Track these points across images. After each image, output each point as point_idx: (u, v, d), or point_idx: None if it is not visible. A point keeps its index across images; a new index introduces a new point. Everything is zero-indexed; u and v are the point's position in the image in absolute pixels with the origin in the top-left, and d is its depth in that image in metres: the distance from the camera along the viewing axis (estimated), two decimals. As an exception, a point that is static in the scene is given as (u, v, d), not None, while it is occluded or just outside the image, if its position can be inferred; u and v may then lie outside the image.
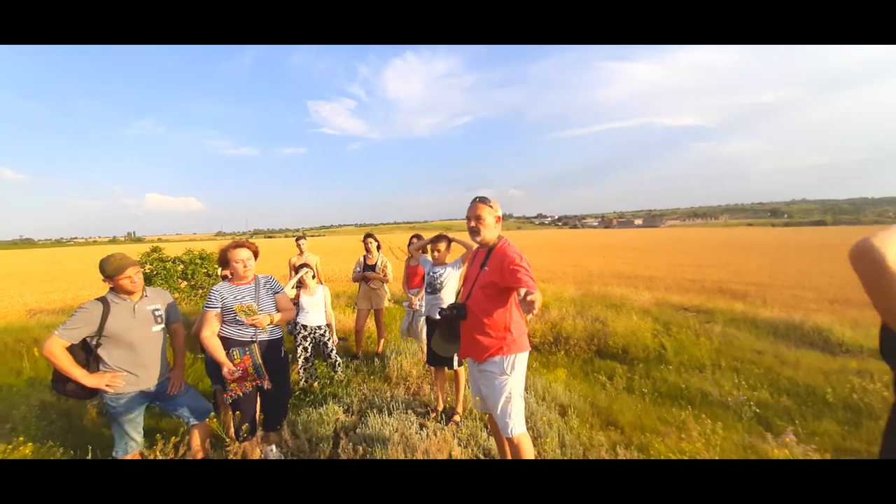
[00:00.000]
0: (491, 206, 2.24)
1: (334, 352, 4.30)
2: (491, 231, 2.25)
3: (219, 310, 2.61)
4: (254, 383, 2.57)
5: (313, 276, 4.18)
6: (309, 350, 4.17)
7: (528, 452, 2.15)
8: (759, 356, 5.03)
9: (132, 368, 2.37)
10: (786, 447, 2.68)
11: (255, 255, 2.78)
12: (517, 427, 2.14)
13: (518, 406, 2.18)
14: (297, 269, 4.21)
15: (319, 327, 4.16)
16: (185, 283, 8.16)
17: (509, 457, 2.32)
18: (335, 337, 4.17)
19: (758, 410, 3.55)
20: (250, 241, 2.82)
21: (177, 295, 7.52)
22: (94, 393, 2.35)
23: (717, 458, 2.68)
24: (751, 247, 33.53)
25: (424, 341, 4.26)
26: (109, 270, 2.34)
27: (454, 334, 2.32)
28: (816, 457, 2.62)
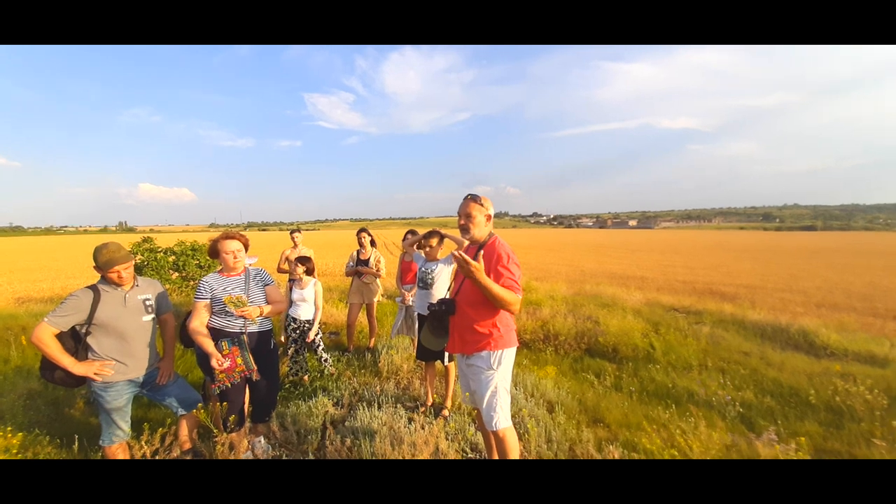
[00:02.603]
0: (482, 205, 2.27)
1: (321, 347, 4.31)
2: (481, 229, 2.28)
3: (208, 301, 2.61)
4: (242, 374, 2.58)
5: (307, 272, 4.18)
6: (299, 342, 4.18)
7: (514, 446, 2.18)
8: (746, 357, 5.10)
9: (121, 357, 2.37)
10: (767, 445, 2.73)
11: (246, 247, 2.79)
12: (502, 421, 2.17)
13: (504, 400, 2.20)
14: (293, 262, 4.21)
15: (308, 321, 4.16)
16: (177, 274, 8.12)
17: (495, 450, 2.35)
18: (315, 328, 4.14)
19: (742, 410, 3.60)
20: (240, 233, 2.83)
21: (168, 286, 7.49)
22: (82, 381, 2.35)
23: (700, 455, 2.72)
24: (742, 250, 33.85)
25: (416, 336, 4.28)
26: (100, 262, 2.33)
27: (443, 329, 2.35)
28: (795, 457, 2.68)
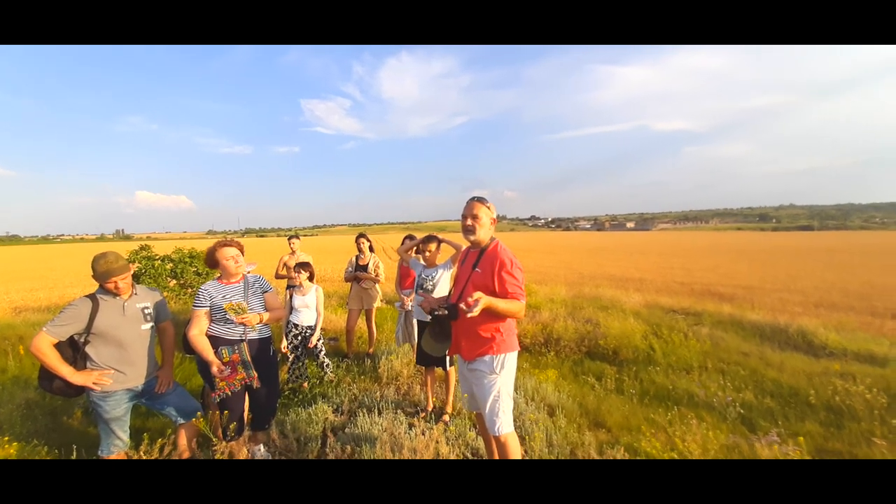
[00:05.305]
0: (488, 207, 2.27)
1: (323, 352, 4.30)
2: (485, 231, 2.27)
3: (207, 308, 2.61)
4: (242, 382, 2.56)
5: (309, 277, 4.17)
6: (299, 349, 4.17)
7: (515, 451, 2.17)
8: (745, 358, 5.11)
9: (120, 366, 2.36)
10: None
11: (241, 251, 2.80)
12: (505, 426, 2.16)
13: (506, 405, 2.20)
14: (293, 268, 4.20)
15: (310, 327, 4.15)
16: (174, 281, 8.09)
17: (497, 456, 2.34)
18: (317, 334, 4.14)
19: (742, 411, 3.60)
20: (234, 239, 2.84)
21: (166, 293, 7.46)
22: (80, 391, 2.33)
23: (700, 457, 2.72)
24: (740, 250, 33.94)
25: (416, 341, 4.27)
26: (97, 272, 2.32)
27: (445, 334, 2.34)
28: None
